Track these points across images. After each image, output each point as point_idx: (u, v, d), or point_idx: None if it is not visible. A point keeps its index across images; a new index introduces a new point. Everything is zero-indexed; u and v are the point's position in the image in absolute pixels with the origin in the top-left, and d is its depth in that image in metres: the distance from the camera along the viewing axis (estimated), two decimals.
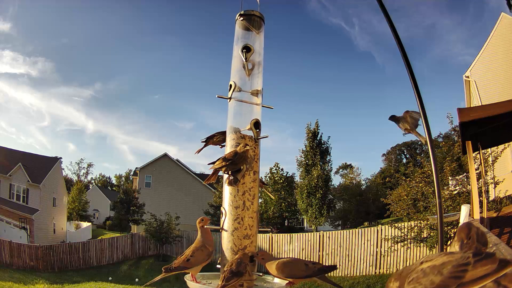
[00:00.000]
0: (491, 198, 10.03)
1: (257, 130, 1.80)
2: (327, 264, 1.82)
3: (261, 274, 1.71)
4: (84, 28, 65.61)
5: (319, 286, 9.89)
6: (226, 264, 1.48)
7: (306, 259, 1.74)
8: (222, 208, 1.74)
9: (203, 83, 57.23)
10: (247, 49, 1.85)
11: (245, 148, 1.67)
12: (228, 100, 1.86)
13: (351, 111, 68.91)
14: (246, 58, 1.84)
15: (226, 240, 1.68)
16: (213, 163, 1.73)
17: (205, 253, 1.61)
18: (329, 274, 1.66)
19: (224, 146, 1.87)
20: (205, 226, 1.72)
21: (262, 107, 1.85)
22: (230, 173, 1.72)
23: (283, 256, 13.61)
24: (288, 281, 1.57)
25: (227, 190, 1.75)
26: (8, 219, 21.23)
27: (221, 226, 1.72)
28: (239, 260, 1.46)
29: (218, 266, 1.65)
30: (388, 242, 10.23)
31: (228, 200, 1.72)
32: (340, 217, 24.39)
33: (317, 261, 11.89)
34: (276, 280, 1.67)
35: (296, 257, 12.43)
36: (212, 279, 1.68)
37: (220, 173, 1.79)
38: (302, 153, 19.95)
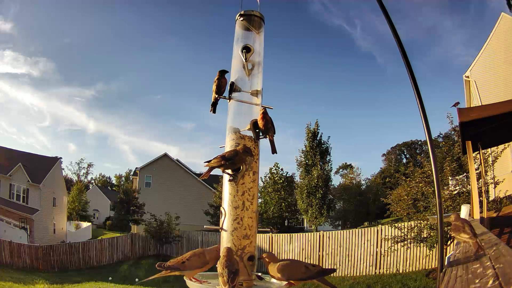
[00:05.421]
0: (491, 198, 10.03)
1: (257, 130, 1.79)
2: (327, 265, 1.83)
3: (260, 274, 1.71)
4: (85, 28, 65.83)
5: (319, 286, 9.90)
6: (219, 265, 1.47)
7: (306, 260, 1.74)
8: (221, 208, 1.74)
9: (204, 83, 57.35)
10: (247, 50, 1.85)
11: (245, 149, 1.66)
12: (228, 100, 1.87)
13: (352, 111, 69.19)
14: (246, 58, 1.84)
15: (225, 240, 1.68)
16: (209, 161, 1.72)
17: (201, 260, 1.61)
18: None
19: (223, 146, 1.86)
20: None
21: (262, 107, 1.85)
22: (230, 172, 1.72)
23: (283, 256, 13.61)
24: (288, 282, 1.57)
25: (226, 190, 1.74)
26: (8, 219, 21.24)
27: (220, 226, 1.72)
28: (228, 259, 1.45)
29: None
30: (388, 242, 10.22)
31: (227, 200, 1.72)
32: (340, 217, 24.39)
33: (317, 261, 11.86)
34: (275, 280, 1.68)
35: (296, 257, 12.41)
36: (211, 279, 1.68)
37: (219, 172, 1.79)
38: (302, 153, 19.92)
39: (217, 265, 1.51)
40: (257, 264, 1.73)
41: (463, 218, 2.52)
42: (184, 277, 1.63)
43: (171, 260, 1.63)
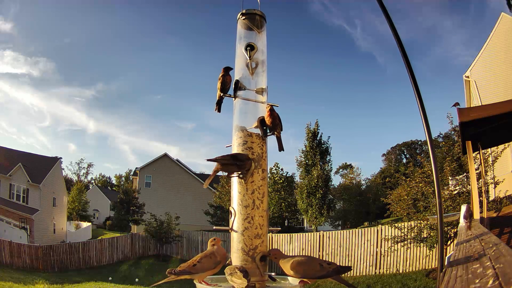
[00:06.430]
0: (491, 198, 10.04)
1: (264, 127, 1.78)
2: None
3: (273, 273, 1.67)
4: (85, 28, 65.85)
5: (319, 286, 9.88)
6: (229, 267, 1.45)
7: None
8: (231, 208, 1.70)
9: (205, 83, 57.40)
10: (251, 47, 1.84)
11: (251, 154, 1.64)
12: (233, 98, 1.85)
13: (352, 111, 69.22)
14: (250, 56, 1.82)
15: (236, 241, 1.64)
16: (214, 160, 1.67)
17: (212, 261, 1.58)
18: None
19: (229, 146, 1.84)
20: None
21: (268, 105, 1.83)
22: (236, 174, 1.69)
23: None
24: (301, 280, 1.54)
25: (235, 189, 1.71)
26: (8, 219, 21.21)
27: (230, 226, 1.68)
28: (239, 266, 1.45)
29: None
30: (388, 242, 10.22)
31: (237, 199, 1.68)
32: (340, 217, 24.37)
33: None
34: (288, 279, 1.64)
35: None
36: (221, 282, 1.64)
37: (219, 172, 1.77)
38: (302, 153, 19.89)
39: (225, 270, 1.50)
40: (269, 264, 1.69)
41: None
42: (194, 281, 1.60)
43: (181, 265, 1.59)
